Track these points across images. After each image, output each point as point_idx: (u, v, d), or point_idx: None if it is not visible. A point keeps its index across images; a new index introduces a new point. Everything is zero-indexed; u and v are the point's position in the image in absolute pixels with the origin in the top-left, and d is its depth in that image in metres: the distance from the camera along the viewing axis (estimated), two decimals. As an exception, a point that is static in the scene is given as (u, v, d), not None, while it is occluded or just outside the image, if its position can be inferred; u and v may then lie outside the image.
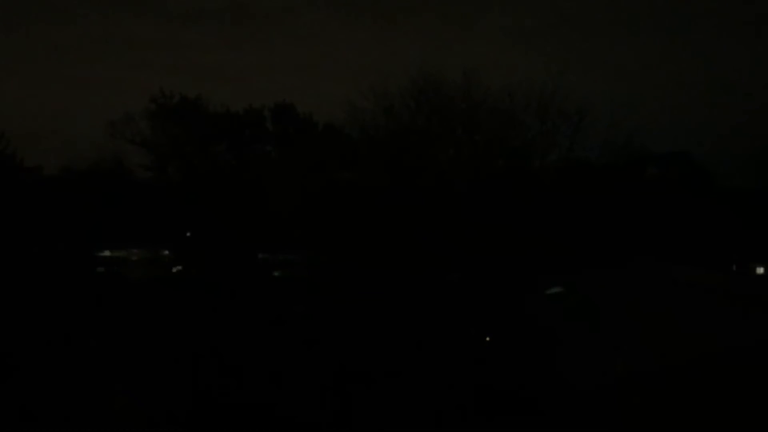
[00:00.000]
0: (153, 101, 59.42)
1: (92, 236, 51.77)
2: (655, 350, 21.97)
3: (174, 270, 52.46)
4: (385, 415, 20.69)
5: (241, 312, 33.59)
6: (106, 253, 55.17)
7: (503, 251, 40.24)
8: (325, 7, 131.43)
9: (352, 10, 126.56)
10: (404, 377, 23.19)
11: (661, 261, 37.75)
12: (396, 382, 22.82)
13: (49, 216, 49.35)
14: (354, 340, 27.31)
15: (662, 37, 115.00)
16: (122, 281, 47.85)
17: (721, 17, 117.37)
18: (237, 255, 48.78)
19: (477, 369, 24.21)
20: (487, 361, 25.61)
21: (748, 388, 17.79)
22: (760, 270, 48.72)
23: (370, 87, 47.91)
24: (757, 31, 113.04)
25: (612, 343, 23.54)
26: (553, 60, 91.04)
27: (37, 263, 45.88)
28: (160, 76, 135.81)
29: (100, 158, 59.70)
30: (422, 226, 42.16)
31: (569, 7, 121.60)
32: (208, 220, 52.26)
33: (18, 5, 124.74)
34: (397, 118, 48.78)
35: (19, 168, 54.82)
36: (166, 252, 55.48)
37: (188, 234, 55.61)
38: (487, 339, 29.26)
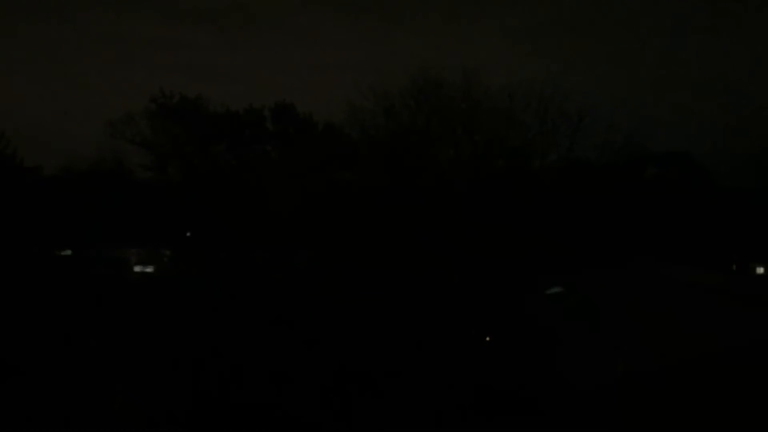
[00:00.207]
0: (153, 101, 59.50)
1: (92, 236, 51.78)
2: (655, 350, 21.96)
3: (137, 270, 52.15)
4: (385, 414, 20.69)
5: (241, 312, 33.56)
6: (106, 252, 55.12)
7: (503, 251, 40.23)
8: (325, 7, 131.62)
9: (352, 10, 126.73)
10: (404, 377, 23.19)
11: (661, 261, 37.77)
12: (396, 382, 22.82)
13: (49, 216, 49.35)
14: (354, 340, 27.30)
15: (662, 37, 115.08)
16: (122, 281, 47.86)
17: (722, 17, 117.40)
18: (237, 255, 48.74)
19: (477, 369, 24.21)
20: (487, 361, 25.61)
21: (748, 388, 17.79)
22: (760, 270, 48.76)
23: (370, 87, 47.95)
24: (757, 31, 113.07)
25: (612, 343, 23.53)
26: (553, 60, 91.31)
27: (37, 263, 45.89)
28: (160, 76, 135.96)
29: (100, 158, 59.82)
30: (422, 226, 42.14)
31: (569, 8, 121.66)
32: (208, 220, 52.23)
33: (18, 5, 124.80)
34: (397, 118, 48.77)
35: (19, 168, 54.82)
36: (166, 252, 55.45)
37: (188, 234, 55.59)
38: (487, 339, 29.27)
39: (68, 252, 54.81)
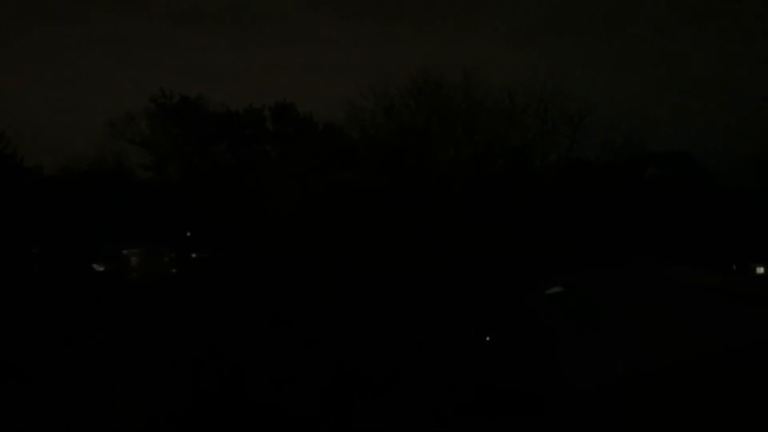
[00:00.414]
0: (153, 101, 59.50)
1: (92, 236, 51.76)
2: (655, 350, 21.95)
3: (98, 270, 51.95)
4: (385, 414, 20.69)
5: (240, 312, 33.56)
6: (106, 252, 55.12)
7: (503, 251, 40.22)
8: (325, 7, 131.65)
9: (352, 10, 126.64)
10: (404, 377, 23.19)
11: (661, 261, 37.75)
12: (396, 382, 22.82)
13: (48, 216, 49.35)
14: (354, 340, 27.29)
15: (662, 37, 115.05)
16: (122, 281, 47.88)
17: (721, 17, 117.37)
18: (237, 255, 48.75)
19: (477, 369, 24.20)
20: (487, 361, 25.61)
21: (748, 388, 17.78)
22: (760, 270, 48.73)
23: (370, 87, 47.95)
24: (757, 31, 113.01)
25: (612, 343, 23.51)
26: (553, 60, 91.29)
27: (37, 263, 45.92)
28: (160, 76, 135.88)
29: (100, 158, 59.79)
30: (422, 226, 42.14)
31: (569, 8, 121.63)
32: (208, 220, 52.23)
33: (18, 5, 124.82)
34: (397, 118, 48.75)
35: (19, 168, 54.80)
36: (167, 252, 55.45)
37: (188, 234, 55.59)
38: (487, 339, 29.26)
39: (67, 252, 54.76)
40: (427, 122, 48.70)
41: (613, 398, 19.85)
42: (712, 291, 28.34)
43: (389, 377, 23.26)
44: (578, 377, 22.20)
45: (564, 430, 19.23)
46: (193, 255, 54.57)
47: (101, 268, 51.74)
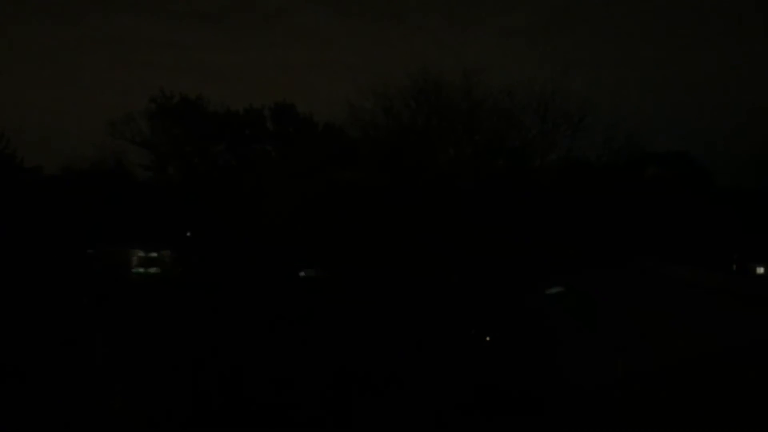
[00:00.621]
0: (153, 101, 59.43)
1: (92, 236, 51.72)
2: (655, 350, 21.96)
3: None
4: (385, 414, 20.69)
5: (240, 312, 33.54)
6: (106, 252, 55.07)
7: (503, 251, 40.20)
8: (325, 7, 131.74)
9: (352, 10, 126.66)
10: (404, 377, 23.18)
11: (661, 261, 37.76)
12: (396, 382, 22.81)
13: (49, 216, 49.31)
14: (354, 340, 27.28)
15: (663, 37, 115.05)
16: (121, 281, 47.81)
17: (721, 17, 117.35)
18: (237, 255, 48.71)
19: (477, 369, 24.21)
20: (487, 360, 25.61)
21: (748, 388, 17.78)
22: (760, 270, 48.72)
23: (370, 87, 47.84)
24: (758, 31, 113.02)
25: (612, 343, 23.53)
26: (554, 60, 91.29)
27: (37, 263, 45.83)
28: (160, 76, 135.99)
29: (100, 158, 59.68)
30: (422, 225, 42.12)
31: (570, 8, 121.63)
32: (208, 220, 52.20)
33: (18, 5, 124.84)
34: (397, 118, 48.69)
35: (19, 168, 54.75)
36: (166, 252, 55.41)
37: (188, 234, 55.55)
38: (487, 339, 29.27)
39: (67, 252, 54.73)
40: (427, 122, 48.66)
41: (613, 398, 19.86)
42: (712, 291, 28.37)
43: (389, 377, 23.26)
44: (578, 377, 22.21)
45: (564, 429, 19.24)
46: (191, 254, 54.51)
47: (141, 269, 51.94)
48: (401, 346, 26.36)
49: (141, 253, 54.63)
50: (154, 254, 54.37)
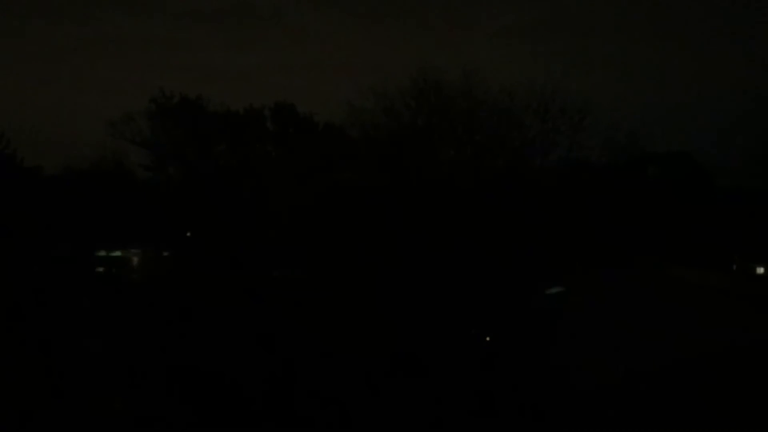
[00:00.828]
0: (153, 101, 59.34)
1: (92, 236, 51.71)
2: (654, 350, 21.95)
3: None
4: (385, 415, 20.67)
5: (240, 312, 33.53)
6: (105, 253, 55.08)
7: (503, 251, 40.18)
8: (325, 7, 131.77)
9: (352, 10, 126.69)
10: (404, 377, 23.17)
11: (661, 261, 37.77)
12: (395, 382, 22.80)
13: (49, 216, 49.29)
14: (354, 340, 27.27)
15: (663, 37, 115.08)
16: (121, 281, 47.82)
17: (722, 17, 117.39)
18: (237, 255, 48.71)
19: (477, 369, 24.18)
20: (487, 361, 25.59)
21: (748, 388, 17.77)
22: (760, 270, 48.69)
23: (370, 87, 47.83)
24: (758, 31, 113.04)
25: (613, 343, 23.52)
26: (554, 60, 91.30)
27: (36, 263, 45.83)
28: (160, 76, 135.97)
29: (100, 158, 59.65)
30: (422, 226, 42.10)
31: (570, 7, 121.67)
32: (208, 220, 52.17)
33: (18, 5, 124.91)
34: (397, 118, 48.69)
35: (19, 168, 54.71)
36: (166, 252, 55.37)
37: (188, 234, 55.52)
38: (488, 339, 29.26)
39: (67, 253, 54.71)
40: (428, 122, 48.66)
41: (613, 398, 19.84)
42: (713, 291, 28.37)
43: (388, 377, 23.24)
44: (579, 377, 22.18)
45: (564, 429, 19.21)
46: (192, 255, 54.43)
47: (100, 269, 51.66)
48: (400, 346, 26.35)
49: (102, 253, 54.05)
50: (118, 253, 53.85)
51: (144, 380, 24.08)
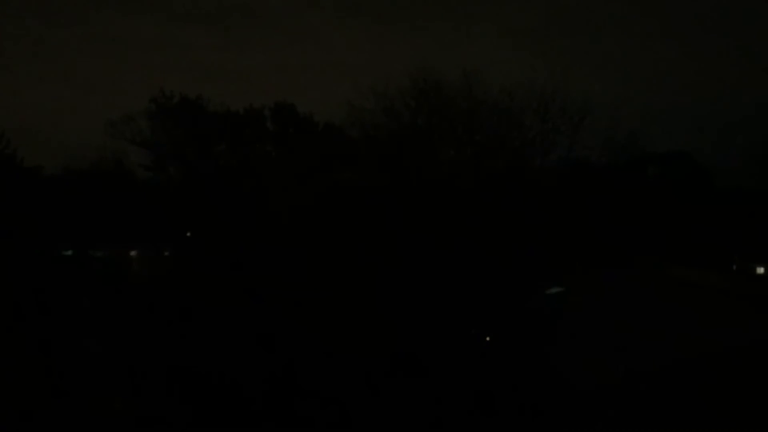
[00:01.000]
0: (153, 101, 59.37)
1: (92, 236, 51.71)
2: (654, 350, 21.96)
3: None
4: (385, 415, 20.68)
5: (240, 312, 33.52)
6: (104, 253, 55.04)
7: (503, 251, 40.18)
8: (325, 7, 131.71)
9: (352, 10, 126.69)
10: (403, 377, 23.17)
11: (661, 261, 37.79)
12: (395, 382, 22.80)
13: (49, 216, 49.29)
14: (354, 340, 27.27)
15: (662, 37, 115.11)
16: (121, 281, 47.79)
17: (722, 17, 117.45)
18: (237, 255, 48.71)
19: (477, 369, 24.18)
20: (487, 361, 25.59)
21: (748, 388, 17.78)
22: (760, 270, 48.71)
23: (370, 87, 47.83)
24: (758, 30, 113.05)
25: (612, 343, 23.53)
26: (554, 60, 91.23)
27: (36, 263, 45.81)
28: (160, 76, 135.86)
29: (100, 158, 59.66)
30: (422, 226, 42.10)
31: (570, 7, 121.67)
32: (208, 220, 52.18)
33: (17, 5, 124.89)
34: (397, 118, 48.69)
35: (19, 168, 54.72)
36: (167, 252, 55.34)
37: (188, 234, 55.52)
38: (487, 339, 29.26)
39: (69, 252, 54.68)
40: (428, 122, 48.66)
41: (613, 398, 19.85)
42: (713, 291, 28.38)
43: (388, 377, 23.24)
44: (578, 377, 22.19)
45: (564, 429, 19.22)
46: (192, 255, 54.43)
47: (100, 269, 51.54)
48: (400, 346, 26.36)
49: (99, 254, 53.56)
50: (100, 254, 53.68)
51: (144, 380, 24.08)
